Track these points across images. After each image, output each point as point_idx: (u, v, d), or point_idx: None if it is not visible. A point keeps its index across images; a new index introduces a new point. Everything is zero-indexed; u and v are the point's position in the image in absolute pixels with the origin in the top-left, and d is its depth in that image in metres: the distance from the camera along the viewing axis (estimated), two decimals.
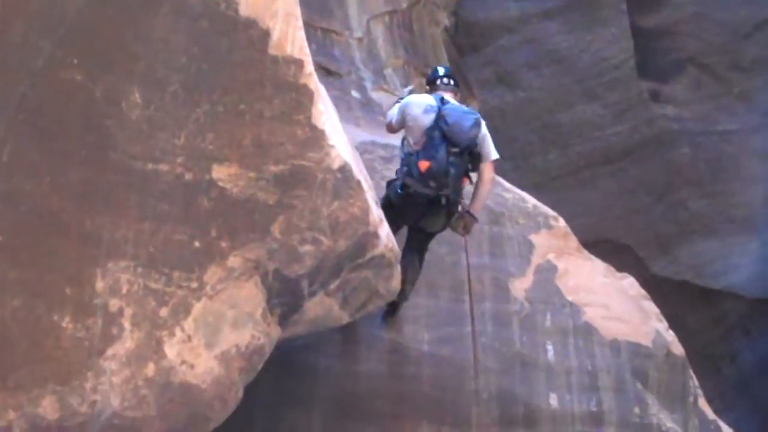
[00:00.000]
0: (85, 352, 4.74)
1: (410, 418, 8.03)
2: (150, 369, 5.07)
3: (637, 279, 10.25)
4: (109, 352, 4.86)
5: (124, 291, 4.98)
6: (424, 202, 7.27)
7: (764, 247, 14.42)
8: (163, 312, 5.17)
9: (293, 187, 5.62)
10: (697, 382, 9.99)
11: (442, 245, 8.59)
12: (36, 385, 4.62)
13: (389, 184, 7.57)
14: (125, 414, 4.99)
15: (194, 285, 5.31)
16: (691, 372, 9.91)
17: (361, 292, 6.67)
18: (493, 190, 8.18)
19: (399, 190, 7.28)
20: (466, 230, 7.59)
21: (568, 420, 8.76)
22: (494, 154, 7.52)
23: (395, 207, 7.36)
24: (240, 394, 5.84)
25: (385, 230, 6.41)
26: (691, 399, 9.85)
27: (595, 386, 9.04)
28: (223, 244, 5.42)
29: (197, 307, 5.33)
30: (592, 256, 9.87)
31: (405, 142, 7.48)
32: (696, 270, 14.83)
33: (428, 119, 7.27)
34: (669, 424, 9.30)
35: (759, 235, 14.50)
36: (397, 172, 7.54)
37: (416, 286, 8.26)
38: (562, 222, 9.73)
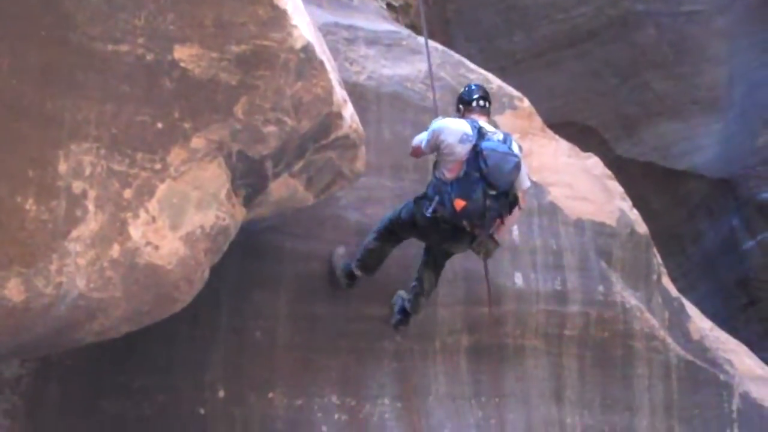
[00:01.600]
0: (49, 234, 4.72)
1: (376, 298, 8.13)
2: (115, 250, 5.07)
3: (602, 161, 10.31)
4: (74, 234, 4.84)
5: (87, 173, 4.93)
6: (450, 228, 7.05)
7: (728, 128, 14.51)
8: (127, 194, 5.14)
9: (256, 68, 5.55)
10: (660, 261, 10.16)
11: (407, 127, 8.59)
12: (0, 268, 4.60)
13: (417, 200, 7.28)
14: (91, 295, 5.01)
15: (158, 166, 5.28)
16: (654, 250, 10.06)
17: (325, 173, 6.67)
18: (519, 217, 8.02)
19: (428, 215, 7.04)
20: (488, 255, 7.43)
21: (533, 298, 8.92)
22: (527, 183, 7.34)
23: (419, 227, 7.26)
24: (206, 275, 5.86)
25: (348, 111, 6.38)
26: (655, 277, 10.02)
27: (559, 265, 9.18)
28: (186, 125, 5.36)
29: (161, 189, 5.30)
30: (557, 137, 9.90)
31: (438, 168, 7.16)
32: (660, 151, 14.94)
33: (464, 150, 6.95)
34: (633, 301, 9.48)
35: (723, 116, 14.58)
36: (428, 189, 7.23)
37: (380, 167, 8.28)
38: (526, 102, 9.72)
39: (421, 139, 7.37)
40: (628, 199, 10.12)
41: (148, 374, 7.06)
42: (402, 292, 8.02)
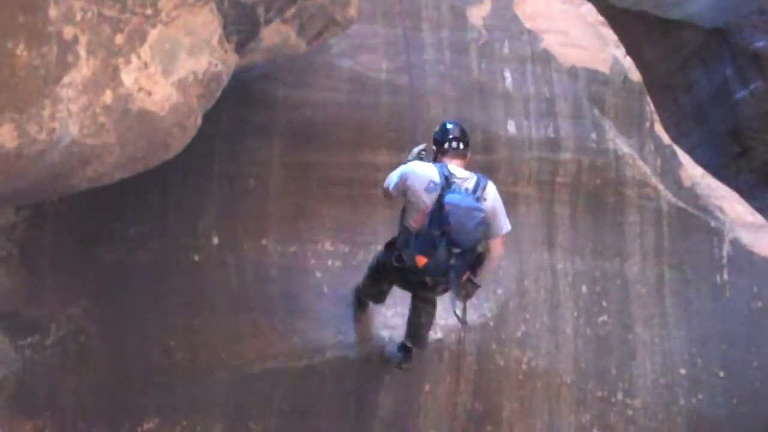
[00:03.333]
0: (41, 80, 4.64)
1: (369, 145, 8.13)
2: (107, 96, 5.00)
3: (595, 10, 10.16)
4: (66, 79, 4.77)
5: (78, 18, 4.82)
6: (419, 279, 6.68)
7: None
8: (119, 39, 5.04)
9: None
10: (653, 108, 10.11)
11: None
12: None
13: (387, 246, 6.95)
14: (84, 141, 4.97)
15: (149, 12, 5.16)
16: (648, 98, 10.01)
17: (317, 19, 6.56)
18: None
19: (395, 263, 6.65)
20: (468, 297, 6.95)
21: (526, 146, 8.91)
22: (506, 227, 6.72)
23: (391, 273, 6.89)
24: (199, 121, 5.83)
25: None
26: (648, 124, 10.00)
27: (552, 113, 9.14)
28: None
29: (153, 34, 5.20)
30: None
31: (405, 216, 6.65)
32: (654, 0, 14.70)
33: (430, 200, 6.40)
34: (625, 149, 9.49)
35: None
36: (398, 236, 6.76)
37: (373, 14, 8.16)
38: None
39: (391, 180, 6.75)
40: (621, 46, 10.02)
41: (142, 222, 7.10)
42: (388, 347, 7.73)
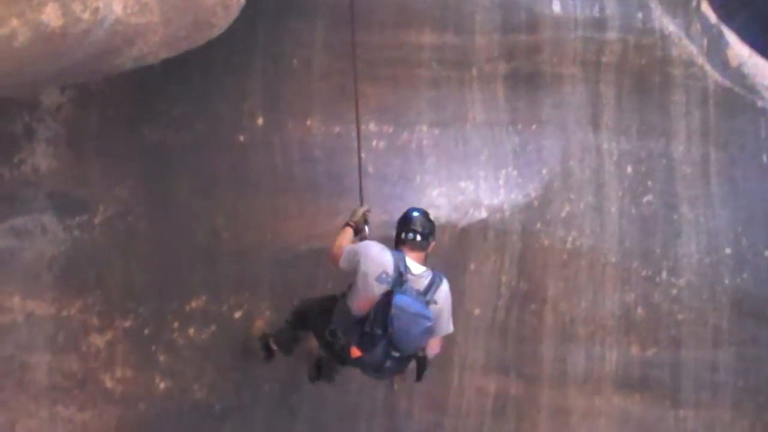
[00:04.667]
0: None
1: (414, 25, 8.00)
2: None
3: None
4: None
5: None
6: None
7: None
8: None
9: None
10: None
11: None
12: None
13: (325, 305, 6.52)
14: (128, 20, 4.91)
15: None
16: None
17: None
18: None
19: (328, 337, 6.27)
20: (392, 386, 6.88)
21: (571, 25, 8.75)
22: (449, 329, 6.41)
23: (320, 338, 6.49)
24: (242, 1, 5.75)
25: None
26: (694, 3, 9.79)
27: None
28: None
29: None
30: None
31: (349, 294, 6.28)
32: None
33: (378, 291, 6.03)
34: (671, 28, 9.30)
35: None
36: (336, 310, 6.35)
37: None
38: None
39: (344, 250, 6.41)
40: None
41: (186, 102, 7.07)
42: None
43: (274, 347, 7.15)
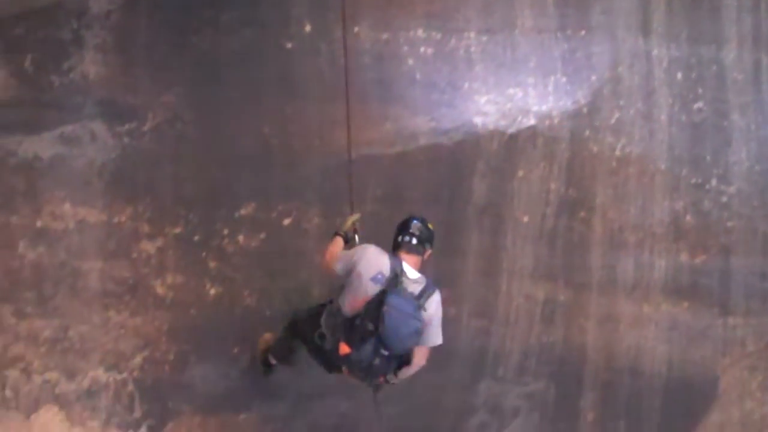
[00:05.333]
0: None
1: None
2: None
3: None
4: None
5: None
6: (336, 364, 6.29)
7: None
8: None
9: None
10: None
11: None
12: None
13: (312, 314, 6.45)
14: None
15: None
16: None
17: None
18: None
19: (317, 340, 6.24)
20: (377, 391, 6.55)
21: None
22: (438, 340, 6.29)
23: (309, 342, 6.45)
24: None
25: None
26: None
27: None
28: None
29: None
30: None
31: (342, 293, 6.22)
32: None
33: (372, 291, 6.01)
34: None
35: None
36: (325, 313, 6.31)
37: None
38: None
39: (335, 254, 6.38)
40: None
41: (234, 9, 7.00)
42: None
43: (273, 361, 7.17)
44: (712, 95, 9.22)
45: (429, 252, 6.37)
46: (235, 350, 7.23)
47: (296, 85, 7.28)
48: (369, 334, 5.91)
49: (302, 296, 7.31)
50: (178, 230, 6.92)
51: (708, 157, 9.11)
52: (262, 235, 7.21)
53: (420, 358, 6.29)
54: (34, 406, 6.54)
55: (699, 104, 9.12)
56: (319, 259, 6.68)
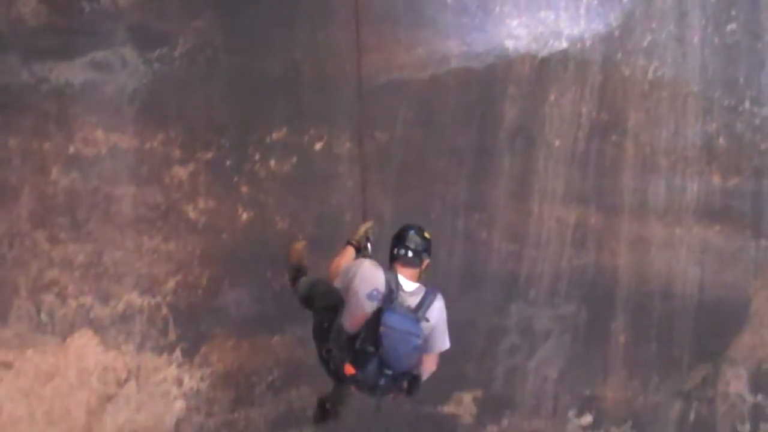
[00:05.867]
0: None
1: None
2: None
3: None
4: None
5: None
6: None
7: None
8: None
9: None
10: None
11: None
12: None
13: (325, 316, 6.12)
14: None
15: None
16: None
17: None
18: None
19: (324, 354, 5.99)
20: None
21: None
22: (445, 345, 6.13)
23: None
24: None
25: None
26: None
27: None
28: None
29: None
30: None
31: (344, 311, 5.98)
32: None
33: (369, 308, 5.81)
34: None
35: None
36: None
37: None
38: None
39: (343, 268, 6.12)
40: None
41: None
42: None
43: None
44: (746, 17, 9.11)
45: (427, 262, 6.14)
46: (268, 274, 7.28)
47: (327, 9, 7.22)
48: (371, 355, 5.73)
49: (334, 221, 7.34)
50: (209, 155, 6.93)
51: (741, 79, 9.01)
52: (294, 160, 7.23)
53: (430, 365, 6.13)
54: (69, 330, 6.63)
55: (732, 26, 9.00)
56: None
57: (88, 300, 6.67)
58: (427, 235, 6.16)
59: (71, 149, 6.46)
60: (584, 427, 8.47)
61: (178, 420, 7.08)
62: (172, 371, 7.01)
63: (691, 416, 8.82)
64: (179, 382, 7.05)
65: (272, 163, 7.15)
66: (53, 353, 6.58)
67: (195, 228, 6.98)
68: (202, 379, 7.12)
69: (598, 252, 8.51)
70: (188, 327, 7.02)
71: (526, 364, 8.32)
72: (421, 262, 6.07)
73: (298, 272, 6.76)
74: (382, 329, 5.68)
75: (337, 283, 6.07)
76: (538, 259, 8.28)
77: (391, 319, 5.73)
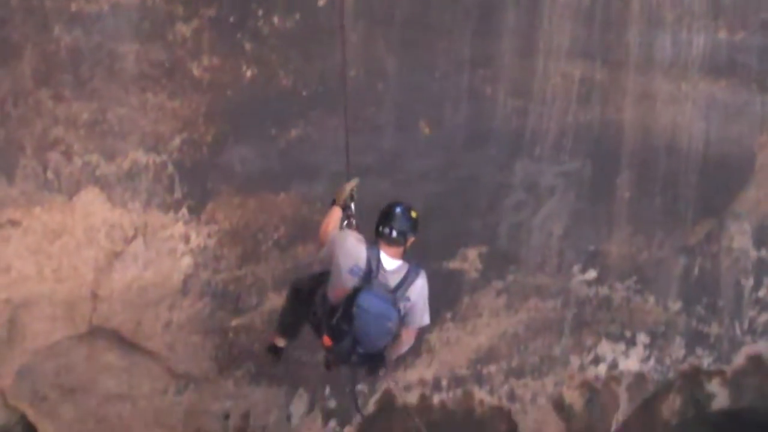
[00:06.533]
0: None
1: None
2: None
3: None
4: None
5: None
6: None
7: None
8: None
9: None
10: None
11: None
12: None
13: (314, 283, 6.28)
14: None
15: None
16: None
17: None
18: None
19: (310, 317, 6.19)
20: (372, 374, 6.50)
21: None
22: (425, 321, 6.15)
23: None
24: None
25: None
26: None
27: None
28: None
29: None
30: None
31: (329, 280, 6.05)
32: None
33: (350, 282, 5.84)
34: None
35: None
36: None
37: None
38: None
39: (329, 233, 6.19)
40: None
41: None
42: None
43: (281, 343, 6.85)
44: None
45: (412, 240, 6.14)
46: (272, 131, 7.28)
47: None
48: (345, 333, 5.86)
49: (337, 76, 7.26)
50: (212, 12, 6.84)
51: None
52: (297, 16, 7.13)
53: (408, 337, 6.26)
54: (75, 188, 6.70)
55: None
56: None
57: (93, 158, 6.71)
58: (413, 214, 6.13)
59: (73, 7, 6.40)
60: (588, 283, 8.55)
61: (186, 276, 7.19)
62: (179, 228, 7.09)
63: (695, 271, 8.89)
64: (186, 240, 7.12)
65: (275, 19, 7.06)
66: (60, 211, 6.66)
67: (199, 85, 6.95)
68: (208, 236, 7.19)
69: (604, 107, 8.44)
70: (194, 184, 7.07)
71: (531, 220, 8.35)
72: (406, 241, 6.09)
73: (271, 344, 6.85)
74: (355, 310, 5.78)
75: (321, 254, 6.20)
76: (543, 115, 8.22)
77: (366, 301, 5.83)
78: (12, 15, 6.22)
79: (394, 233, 6.01)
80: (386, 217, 6.07)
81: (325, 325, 5.98)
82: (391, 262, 6.02)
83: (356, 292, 5.83)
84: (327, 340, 5.95)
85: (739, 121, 8.89)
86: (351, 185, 6.43)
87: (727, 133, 8.85)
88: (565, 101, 8.32)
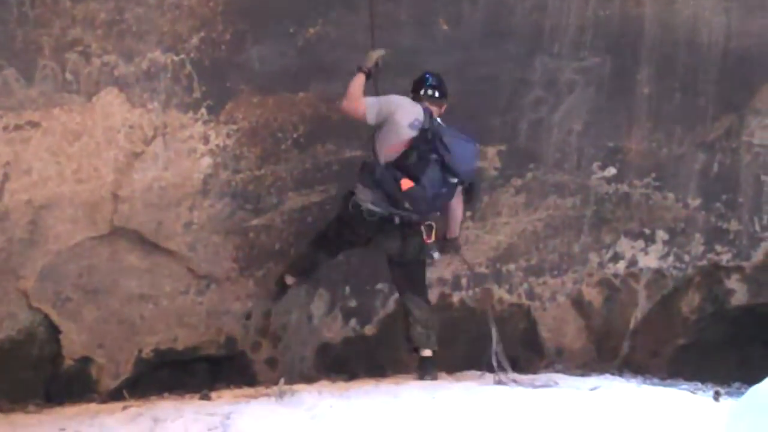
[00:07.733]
0: None
1: None
2: None
3: None
4: None
5: None
6: (378, 221, 6.76)
7: None
8: None
9: None
10: None
11: None
12: None
13: (347, 197, 6.89)
14: None
15: None
16: None
17: None
18: None
19: (351, 208, 6.81)
20: (457, 251, 7.45)
21: None
22: (474, 176, 7.09)
23: (346, 224, 6.92)
24: None
25: None
26: None
27: None
28: None
29: None
30: None
31: (376, 144, 6.81)
32: None
33: (410, 135, 6.69)
34: None
35: None
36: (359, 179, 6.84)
37: None
38: None
39: (361, 99, 6.72)
40: None
41: None
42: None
43: (290, 281, 7.42)
44: None
45: (445, 106, 7.01)
46: (291, 29, 7.25)
47: None
48: (434, 163, 6.56)
49: None
50: None
51: None
52: None
53: (458, 204, 7.07)
54: (94, 89, 6.75)
55: None
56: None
57: (112, 58, 6.75)
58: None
59: None
60: (608, 180, 8.50)
61: (206, 176, 7.23)
62: (198, 128, 7.12)
63: (715, 167, 8.80)
64: (205, 140, 7.15)
65: None
66: (79, 112, 6.71)
67: None
68: (228, 135, 7.22)
69: (624, 2, 8.28)
70: (213, 84, 7.09)
71: (551, 117, 8.27)
72: (443, 103, 7.00)
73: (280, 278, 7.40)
74: (445, 139, 6.59)
75: (370, 117, 6.71)
76: (562, 10, 8.09)
77: (447, 131, 6.70)
78: None
79: (438, 93, 6.97)
80: (425, 81, 6.99)
81: (394, 172, 6.57)
82: (438, 116, 6.90)
83: (426, 131, 6.64)
84: (407, 182, 6.55)
85: (761, 14, 8.68)
86: (378, 53, 6.86)
87: (749, 27, 8.64)
88: None
